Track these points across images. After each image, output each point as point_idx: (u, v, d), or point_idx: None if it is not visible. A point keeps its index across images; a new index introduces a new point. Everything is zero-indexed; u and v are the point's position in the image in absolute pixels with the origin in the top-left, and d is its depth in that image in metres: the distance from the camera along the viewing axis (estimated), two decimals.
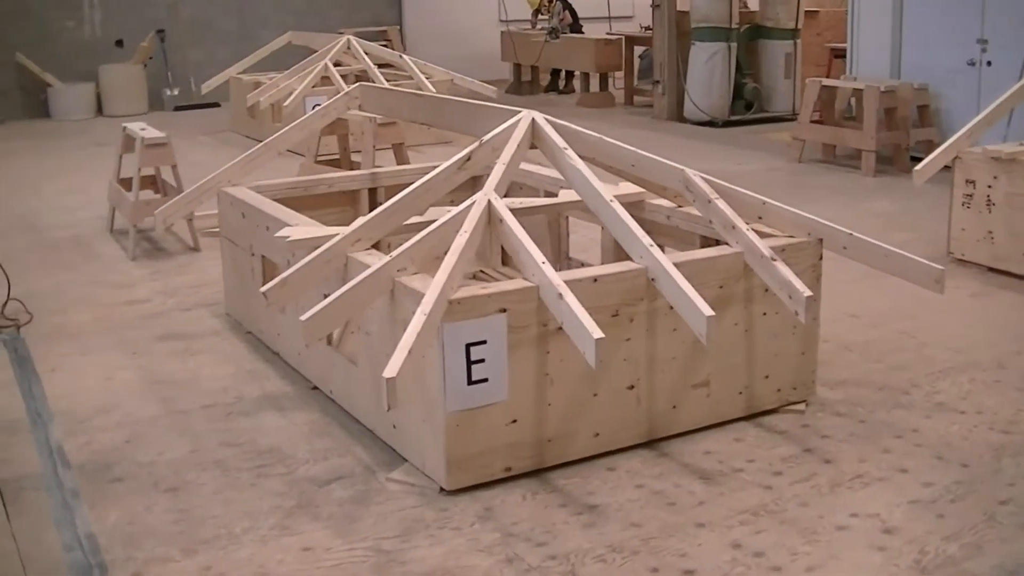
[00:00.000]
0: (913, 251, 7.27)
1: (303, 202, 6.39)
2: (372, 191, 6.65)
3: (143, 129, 8.37)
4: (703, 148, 12.14)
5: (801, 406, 5.04)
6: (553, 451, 4.48)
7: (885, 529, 4.00)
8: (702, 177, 4.96)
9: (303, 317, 4.19)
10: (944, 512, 4.12)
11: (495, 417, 4.33)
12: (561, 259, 6.52)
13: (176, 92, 16.66)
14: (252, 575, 3.85)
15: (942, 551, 3.86)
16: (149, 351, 6.07)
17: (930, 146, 7.55)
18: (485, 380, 4.25)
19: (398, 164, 9.20)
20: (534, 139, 5.04)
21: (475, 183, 5.35)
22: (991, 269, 7.16)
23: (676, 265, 4.42)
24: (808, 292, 4.42)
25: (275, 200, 6.04)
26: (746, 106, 13.67)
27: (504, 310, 4.24)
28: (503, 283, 4.37)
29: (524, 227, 6.64)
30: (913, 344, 5.88)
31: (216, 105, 16.01)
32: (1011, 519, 4.06)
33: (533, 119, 5.05)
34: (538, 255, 4.30)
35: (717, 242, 5.03)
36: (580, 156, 4.98)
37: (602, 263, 5.85)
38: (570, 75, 17.58)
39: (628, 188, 5.63)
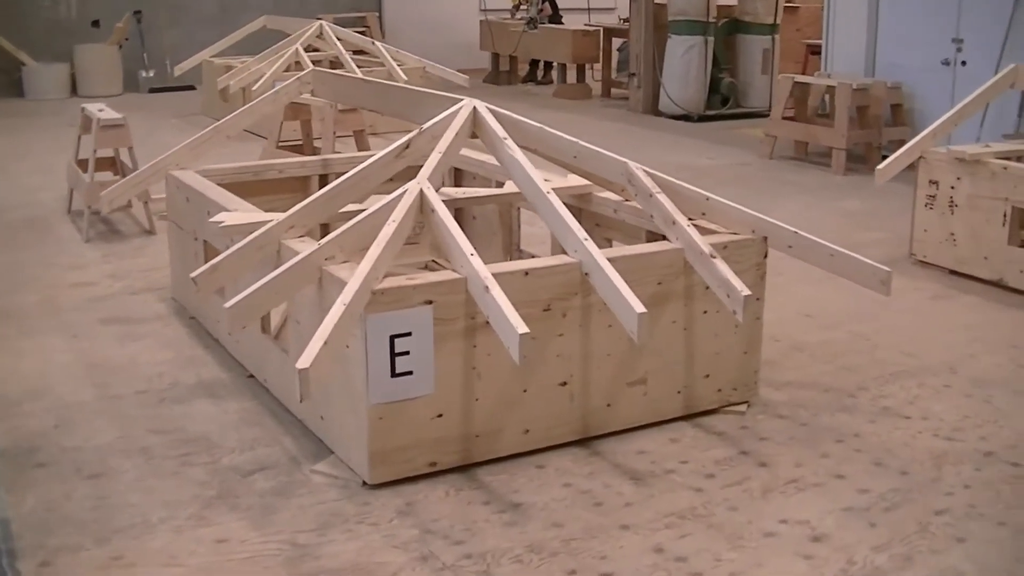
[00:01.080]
0: (877, 252, 7.30)
1: (252, 187, 6.29)
2: (323, 177, 6.54)
3: (101, 110, 8.24)
4: (676, 142, 12.05)
5: (742, 407, 4.94)
6: (480, 447, 4.38)
7: (814, 537, 3.90)
8: (644, 171, 4.86)
9: (227, 304, 4.09)
10: (876, 521, 4.01)
11: (420, 411, 4.22)
12: (512, 251, 6.42)
13: (152, 74, 16.52)
14: (162, 566, 3.75)
15: (870, 561, 3.76)
16: (90, 334, 5.96)
17: (902, 145, 7.46)
18: (410, 373, 4.15)
19: (359, 151, 9.09)
20: (475, 128, 4.94)
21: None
22: (952, 272, 7.06)
23: (613, 260, 4.33)
24: (746, 291, 4.32)
25: (223, 185, 5.93)
26: (722, 101, 13.56)
27: (430, 302, 4.13)
28: (430, 274, 4.26)
29: (476, 217, 6.62)
30: (866, 346, 5.78)
31: (192, 88, 15.85)
32: (944, 530, 3.96)
33: (474, 108, 4.94)
34: (467, 246, 4.19)
35: (664, 238, 4.92)
36: (522, 146, 4.89)
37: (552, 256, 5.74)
38: (548, 66, 17.46)
39: (575, 180, 5.52)
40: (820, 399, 5.09)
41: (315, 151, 9.33)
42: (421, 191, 4.45)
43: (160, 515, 4.06)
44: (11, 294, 6.66)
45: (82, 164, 8.23)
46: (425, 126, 4.92)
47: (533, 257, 6.19)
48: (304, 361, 3.67)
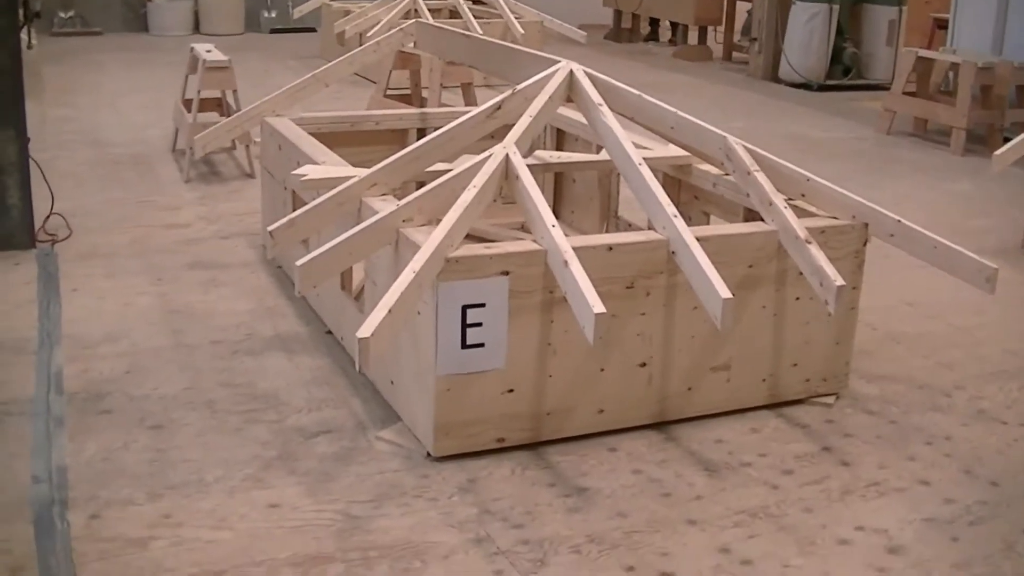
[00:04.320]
0: (988, 239, 6.94)
1: (347, 138, 6.13)
2: (421, 131, 6.34)
3: (208, 51, 8.14)
4: (793, 110, 11.66)
5: (830, 399, 4.66)
6: (551, 425, 4.18)
7: (891, 548, 3.63)
8: (744, 146, 4.58)
9: (298, 262, 3.93)
10: (960, 535, 3.73)
11: (490, 385, 4.03)
12: (609, 217, 6.18)
13: (273, 14, 16.45)
14: (210, 528, 3.60)
15: None
16: (175, 278, 5.86)
17: None
18: (481, 345, 3.95)
19: (465, 104, 8.88)
20: (570, 92, 4.71)
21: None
22: None
23: (703, 240, 4.07)
24: (840, 281, 4.03)
25: (318, 135, 5.77)
26: (843, 71, 13.09)
27: (507, 273, 3.93)
28: (507, 244, 4.05)
29: (575, 181, 6.39)
30: (968, 341, 5.45)
31: (312, 30, 15.71)
32: None
33: (571, 71, 4.71)
34: (549, 217, 3.97)
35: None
36: (619, 114, 4.66)
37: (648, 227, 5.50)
38: (674, 26, 17.04)
39: (675, 151, 5.27)
40: (913, 396, 4.79)
41: (423, 102, 9.13)
42: (507, 156, 4.24)
43: (216, 474, 3.93)
44: (104, 232, 6.58)
45: (188, 104, 8.15)
46: (519, 87, 4.71)
47: (630, 225, 5.98)
48: (366, 330, 3.49)
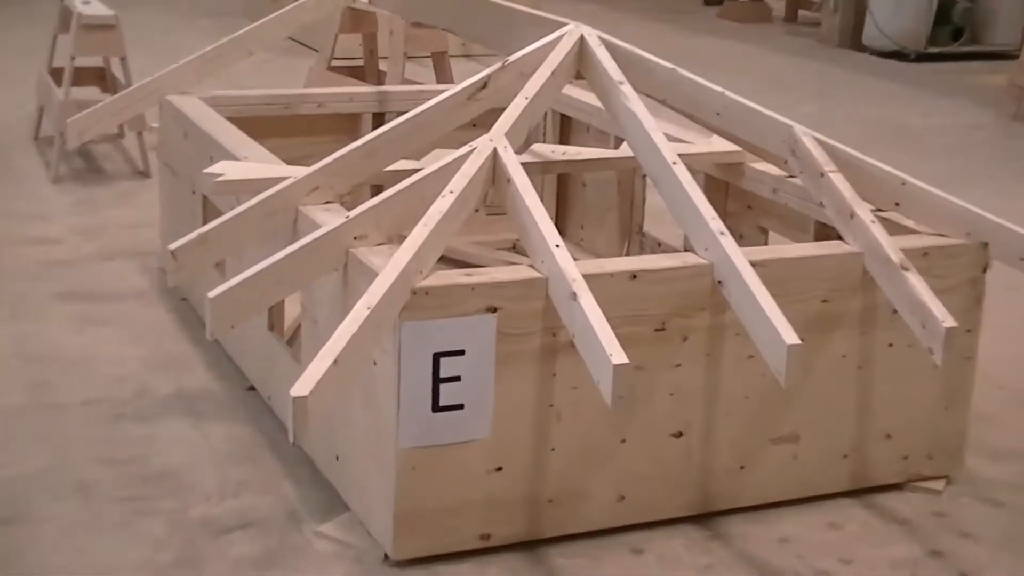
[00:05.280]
0: None
1: (280, 125, 6.22)
2: (378, 116, 6.41)
3: (85, 3, 8.17)
4: (881, 89, 11.77)
5: (940, 483, 4.69)
6: (554, 517, 4.20)
7: None
8: (816, 138, 4.62)
9: (211, 293, 3.95)
10: None
11: (471, 461, 4.05)
12: (631, 233, 6.23)
13: None
14: None
15: None
16: (40, 313, 5.92)
17: None
18: (459, 407, 3.97)
19: (438, 80, 8.94)
20: (580, 66, 4.75)
21: None
22: None
23: (761, 265, 4.10)
24: (950, 321, 4.05)
25: (238, 120, 5.81)
26: (953, 34, 13.22)
27: (494, 309, 3.95)
28: (495, 270, 4.08)
29: (586, 185, 6.43)
30: None
31: None
32: None
33: (581, 37, 4.75)
34: (551, 234, 3.99)
35: (839, 234, 4.67)
36: (646, 95, 4.69)
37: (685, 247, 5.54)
38: None
39: (722, 145, 5.30)
40: None
41: (379, 77, 9.19)
42: (495, 151, 4.27)
43: None
44: None
45: (58, 74, 8.18)
46: (511, 59, 4.75)
47: (660, 245, 6.02)
48: (303, 387, 3.50)
